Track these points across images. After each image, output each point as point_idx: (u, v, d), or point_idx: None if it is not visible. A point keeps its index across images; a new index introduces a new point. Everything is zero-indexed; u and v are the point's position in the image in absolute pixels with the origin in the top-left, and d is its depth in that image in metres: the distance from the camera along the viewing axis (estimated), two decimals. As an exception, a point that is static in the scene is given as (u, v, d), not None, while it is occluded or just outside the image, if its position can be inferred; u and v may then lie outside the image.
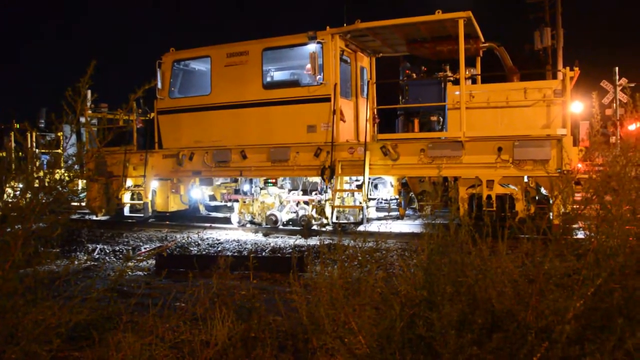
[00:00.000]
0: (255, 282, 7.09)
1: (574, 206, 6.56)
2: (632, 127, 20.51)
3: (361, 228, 10.55)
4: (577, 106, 19.83)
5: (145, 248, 10.00)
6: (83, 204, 13.43)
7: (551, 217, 9.28)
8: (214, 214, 13.85)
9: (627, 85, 24.05)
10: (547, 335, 3.08)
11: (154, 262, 8.38)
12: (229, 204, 12.56)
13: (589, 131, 16.21)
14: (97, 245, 10.16)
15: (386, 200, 12.67)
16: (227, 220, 12.29)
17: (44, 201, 3.89)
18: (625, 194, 4.41)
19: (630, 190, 4.42)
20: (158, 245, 10.16)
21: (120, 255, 9.40)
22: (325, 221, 10.98)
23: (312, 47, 10.93)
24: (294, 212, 11.64)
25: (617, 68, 23.86)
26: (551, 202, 9.43)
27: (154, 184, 12.93)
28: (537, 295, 3.42)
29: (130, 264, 8.49)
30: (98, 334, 3.99)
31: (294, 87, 11.50)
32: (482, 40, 11.05)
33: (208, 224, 12.37)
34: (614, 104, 23.39)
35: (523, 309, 3.34)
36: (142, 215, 12.89)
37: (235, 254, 9.17)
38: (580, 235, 4.46)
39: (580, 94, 21.77)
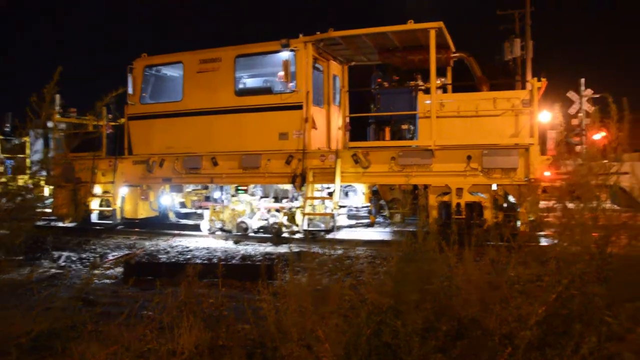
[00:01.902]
0: (225, 290, 7.03)
1: (540, 214, 6.69)
2: (596, 136, 21.01)
3: (332, 236, 10.57)
4: (545, 116, 20.23)
5: (113, 256, 9.84)
6: (49, 210, 13.20)
7: (518, 224, 9.45)
8: (184, 221, 13.72)
9: (592, 96, 24.63)
10: (509, 341, 3.12)
11: (121, 270, 8.26)
12: (199, 211, 12.45)
13: (555, 140, 16.57)
14: (63, 253, 9.96)
15: (357, 207, 12.72)
16: (197, 228, 12.19)
17: (6, 207, 3.81)
18: (587, 202, 4.52)
19: (591, 198, 4.53)
20: (126, 253, 10.01)
21: (87, 263, 9.23)
22: (296, 228, 10.97)
23: (285, 54, 10.94)
24: (265, 220, 11.60)
25: (583, 79, 24.44)
26: (518, 210, 9.60)
27: (123, 191, 12.75)
28: (501, 302, 3.48)
29: (97, 271, 8.37)
30: (61, 344, 3.91)
31: (266, 95, 11.49)
32: (453, 50, 11.21)
33: (177, 232, 12.25)
34: (580, 114, 23.92)
35: (487, 315, 3.39)
36: (110, 222, 12.70)
37: (205, 261, 9.09)
38: (545, 242, 4.56)
39: (549, 104, 22.23)
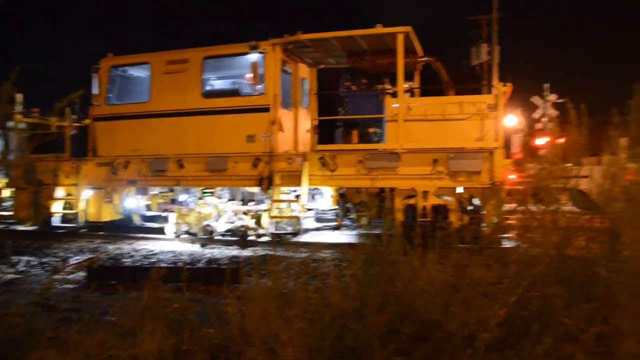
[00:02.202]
0: (190, 294, 6.94)
1: (503, 216, 6.79)
2: (560, 140, 21.51)
3: (299, 239, 10.56)
4: (510, 120, 20.58)
5: (75, 260, 9.63)
6: (9, 213, 12.86)
7: (483, 227, 9.57)
8: (149, 224, 13.52)
9: (556, 101, 25.19)
10: (470, 343, 3.16)
11: (84, 274, 8.09)
12: (164, 214, 12.29)
13: (520, 144, 16.88)
14: (23, 257, 9.71)
15: (324, 210, 12.73)
16: (163, 231, 12.03)
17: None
18: (548, 205, 4.60)
19: (551, 201, 4.62)
20: (89, 257, 9.81)
21: (48, 268, 9.01)
22: (262, 231, 10.92)
23: (254, 56, 10.89)
24: (232, 223, 11.52)
25: (547, 84, 24.99)
26: (483, 212, 9.71)
27: (87, 193, 12.49)
28: (463, 304, 3.51)
29: (58, 276, 8.18)
30: (18, 352, 3.81)
31: (234, 97, 11.43)
32: (421, 54, 11.33)
33: (142, 235, 12.06)
34: (544, 119, 24.43)
35: (449, 318, 3.42)
36: (73, 225, 12.42)
37: (170, 265, 8.98)
38: (509, 244, 4.63)
39: (515, 108, 22.64)
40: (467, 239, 5.92)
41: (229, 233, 11.52)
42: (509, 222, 5.78)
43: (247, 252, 10.05)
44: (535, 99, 25.03)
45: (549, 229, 4.33)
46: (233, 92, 11.70)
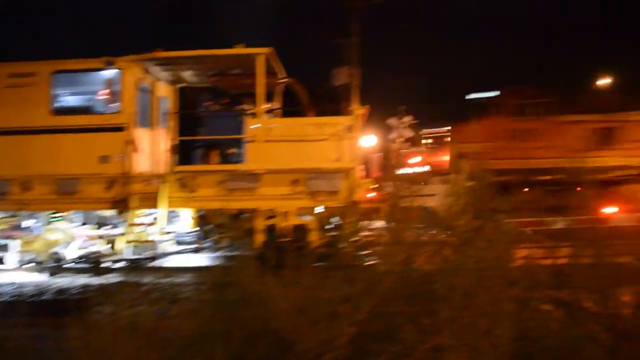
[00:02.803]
0: (33, 330, 6.39)
1: (361, 234, 7.03)
2: (413, 160, 22.87)
3: (157, 263, 10.17)
4: (369, 140, 21.56)
5: None
6: None
7: (342, 245, 9.85)
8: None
9: (411, 122, 26.76)
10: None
11: None
12: (3, 241, 11.13)
13: (378, 164, 17.72)
14: None
15: (184, 233, 12.39)
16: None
17: None
18: (398, 223, 4.85)
19: (401, 219, 4.87)
20: None
21: None
22: (118, 257, 10.37)
23: (109, 73, 10.41)
24: (84, 249, 10.80)
25: (403, 107, 26.48)
26: (341, 231, 9.99)
27: None
28: (312, 324, 3.57)
29: None
30: None
31: (86, 114, 10.81)
32: (282, 75, 11.49)
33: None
34: (399, 140, 25.83)
35: (299, 338, 3.46)
36: None
37: (12, 298, 8.21)
38: (368, 261, 4.79)
39: (374, 129, 23.79)
40: (325, 258, 6.06)
41: (82, 260, 10.78)
42: (366, 239, 6.02)
43: (101, 280, 9.46)
44: (392, 121, 26.39)
45: (395, 245, 4.56)
46: (86, 110, 11.05)
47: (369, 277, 4.10)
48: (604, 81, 21.75)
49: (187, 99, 12.69)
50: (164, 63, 11.03)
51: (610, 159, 15.66)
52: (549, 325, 3.98)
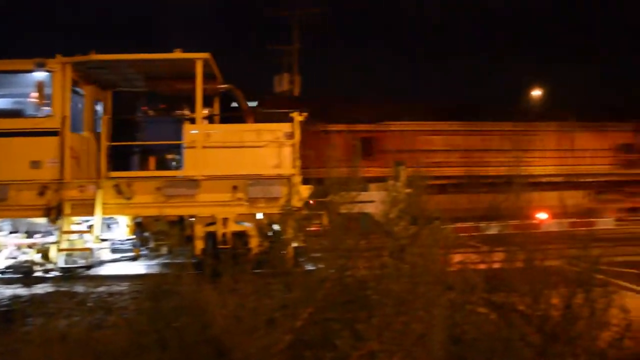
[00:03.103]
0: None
1: (302, 241, 7.06)
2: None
3: (93, 272, 9.88)
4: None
5: None
6: None
7: (283, 252, 9.86)
8: None
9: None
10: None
11: None
12: None
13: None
14: None
15: (121, 240, 12.07)
16: None
17: None
18: (337, 229, 4.92)
19: (340, 225, 4.94)
20: None
21: None
22: (51, 266, 10.00)
23: (40, 75, 10.04)
24: (14, 258, 10.35)
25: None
26: (282, 238, 10.01)
27: None
28: (249, 332, 3.58)
29: None
30: None
31: (15, 118, 10.36)
32: (221, 81, 11.41)
33: None
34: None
35: (235, 347, 3.46)
36: None
37: None
38: (310, 267, 4.82)
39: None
40: (264, 265, 6.07)
41: (11, 270, 10.32)
42: (305, 246, 6.06)
43: (33, 290, 9.10)
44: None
45: (333, 252, 4.62)
46: (14, 113, 10.58)
47: (307, 284, 4.14)
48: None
49: (123, 103, 12.41)
50: (99, 66, 10.74)
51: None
52: (483, 328, 4.14)
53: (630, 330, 4.33)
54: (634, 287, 6.80)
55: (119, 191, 9.86)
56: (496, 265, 5.54)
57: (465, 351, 3.92)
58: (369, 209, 8.88)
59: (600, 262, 4.62)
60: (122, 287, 9.01)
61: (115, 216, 10.85)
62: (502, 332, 4.16)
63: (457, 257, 5.00)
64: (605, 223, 17.51)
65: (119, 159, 10.88)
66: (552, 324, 4.45)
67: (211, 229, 9.91)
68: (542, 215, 14.90)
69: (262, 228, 10.20)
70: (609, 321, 4.37)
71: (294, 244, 9.36)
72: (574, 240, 4.86)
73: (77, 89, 10.98)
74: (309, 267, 4.70)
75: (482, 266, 5.61)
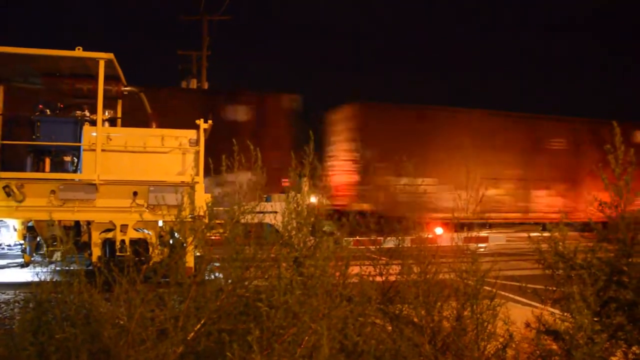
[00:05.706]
0: None
1: (205, 250, 6.99)
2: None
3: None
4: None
5: None
6: None
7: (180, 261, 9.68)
8: None
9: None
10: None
11: None
12: None
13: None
14: None
15: (9, 245, 11.36)
16: None
17: None
18: (237, 239, 4.92)
19: (240, 236, 4.95)
20: None
21: None
22: None
23: None
24: None
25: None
26: (184, 246, 9.85)
27: None
28: (138, 343, 3.51)
29: None
30: None
31: None
32: (125, 83, 11.06)
33: None
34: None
35: (124, 359, 3.38)
36: None
37: None
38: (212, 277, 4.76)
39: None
40: (162, 274, 5.94)
41: None
42: (204, 255, 6.00)
43: None
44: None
45: (231, 262, 4.63)
46: None
47: (202, 294, 4.11)
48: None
49: (17, 100, 11.70)
50: None
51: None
52: (378, 338, 4.28)
53: (513, 340, 4.64)
54: (519, 298, 7.30)
55: (8, 193, 9.25)
56: (392, 278, 5.77)
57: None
58: (271, 219, 8.95)
59: (487, 276, 4.93)
60: (8, 295, 8.51)
61: (4, 219, 10.20)
62: (395, 343, 4.33)
63: (355, 270, 5.15)
64: (498, 239, 18.43)
65: (11, 159, 10.26)
66: (443, 335, 4.69)
67: (109, 235, 9.55)
68: (438, 230, 15.58)
69: (162, 236, 9.97)
70: (494, 332, 4.66)
71: (196, 253, 9.27)
72: (464, 255, 5.17)
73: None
74: (209, 277, 4.67)
75: (380, 279, 5.83)
